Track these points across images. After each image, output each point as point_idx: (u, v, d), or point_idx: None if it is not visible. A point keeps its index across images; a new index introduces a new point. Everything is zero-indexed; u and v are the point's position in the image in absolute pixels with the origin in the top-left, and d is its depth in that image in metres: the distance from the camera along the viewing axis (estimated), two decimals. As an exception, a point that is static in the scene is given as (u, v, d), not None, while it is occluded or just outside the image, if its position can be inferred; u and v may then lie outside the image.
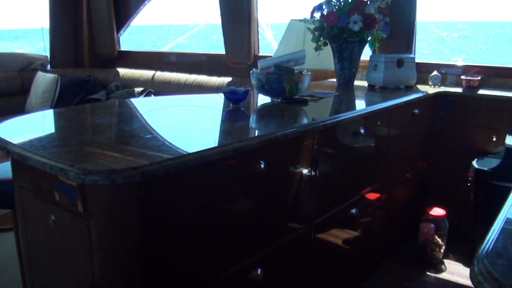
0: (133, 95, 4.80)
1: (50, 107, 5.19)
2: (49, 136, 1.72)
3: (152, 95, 4.79)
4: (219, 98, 2.63)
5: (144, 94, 4.78)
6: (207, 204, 1.52)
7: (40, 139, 1.64)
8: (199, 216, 1.50)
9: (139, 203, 1.32)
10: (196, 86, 4.58)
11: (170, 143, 1.54)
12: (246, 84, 4.03)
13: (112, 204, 1.34)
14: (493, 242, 0.83)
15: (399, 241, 3.33)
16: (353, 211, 2.46)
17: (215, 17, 4.82)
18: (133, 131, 1.76)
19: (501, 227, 0.90)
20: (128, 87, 5.10)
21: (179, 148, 1.46)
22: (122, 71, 5.46)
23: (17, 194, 1.76)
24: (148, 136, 1.65)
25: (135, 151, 1.47)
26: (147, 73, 5.16)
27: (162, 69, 5.18)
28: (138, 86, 5.04)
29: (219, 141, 1.61)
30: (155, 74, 5.09)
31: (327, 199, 2.22)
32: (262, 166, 1.66)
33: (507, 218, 0.95)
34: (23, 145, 1.51)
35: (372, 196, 2.72)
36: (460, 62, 3.74)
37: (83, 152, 1.46)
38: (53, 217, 1.50)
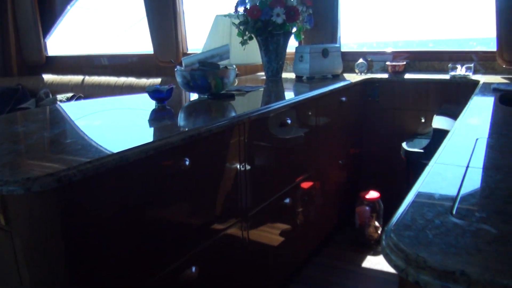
0: (63, 101, 4.70)
1: (-22, 119, 5.01)
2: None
3: (82, 100, 4.70)
4: (147, 98, 2.61)
5: (74, 100, 4.68)
6: (133, 206, 1.50)
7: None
8: (125, 219, 1.48)
9: (60, 211, 1.30)
10: (126, 88, 4.52)
11: (91, 146, 1.51)
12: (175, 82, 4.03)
13: (33, 215, 1.31)
14: (402, 216, 0.86)
15: (337, 226, 3.41)
16: (287, 200, 2.50)
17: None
18: (54, 137, 1.73)
19: (412, 200, 0.93)
20: (57, 94, 4.98)
21: (100, 151, 1.43)
22: (51, 77, 5.32)
23: None
24: (69, 141, 1.62)
25: (53, 157, 1.44)
26: (76, 78, 5.05)
27: (93, 73, 5.08)
28: (68, 91, 4.93)
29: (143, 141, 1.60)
30: (85, 79, 4.99)
31: (259, 191, 2.25)
32: (187, 163, 1.66)
33: (418, 192, 0.98)
34: None
35: (306, 184, 2.76)
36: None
37: (1, 162, 1.42)
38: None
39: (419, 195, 0.97)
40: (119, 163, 1.36)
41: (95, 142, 1.59)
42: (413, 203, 0.92)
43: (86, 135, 1.73)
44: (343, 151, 3.34)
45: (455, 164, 1.19)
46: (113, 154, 1.35)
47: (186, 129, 1.72)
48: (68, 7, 5.60)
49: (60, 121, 2.13)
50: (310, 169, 2.80)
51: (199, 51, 4.16)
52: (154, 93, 2.17)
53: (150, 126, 1.96)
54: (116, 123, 2.03)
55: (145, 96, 2.27)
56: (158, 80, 4.37)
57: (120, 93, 4.50)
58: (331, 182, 3.18)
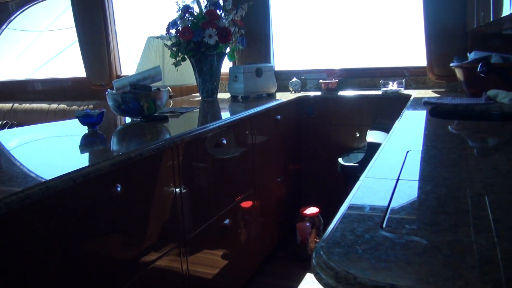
0: (-7, 129, 4.53)
1: None
2: None
3: (15, 128, 4.54)
4: (78, 123, 2.55)
5: (7, 127, 4.52)
6: (62, 238, 1.43)
7: None
8: (54, 252, 1.41)
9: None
10: (60, 113, 4.41)
11: (17, 176, 1.44)
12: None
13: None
14: (332, 232, 0.85)
15: (279, 243, 3.40)
16: (227, 221, 2.47)
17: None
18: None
19: (341, 215, 0.93)
20: (-14, 121, 4.79)
21: (26, 181, 1.37)
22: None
23: None
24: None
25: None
26: (7, 105, 4.87)
27: (26, 99, 4.91)
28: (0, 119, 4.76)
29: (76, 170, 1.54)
30: (17, 105, 4.82)
31: (197, 213, 2.21)
32: (118, 189, 1.61)
33: (349, 205, 0.98)
34: None
35: (246, 203, 2.75)
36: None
37: None
38: None
39: (349, 209, 0.97)
40: (47, 192, 1.30)
41: (22, 171, 1.52)
42: (343, 219, 0.91)
43: (13, 165, 1.66)
44: (282, 168, 3.35)
45: (385, 178, 1.20)
46: (40, 184, 1.29)
47: (116, 154, 1.67)
48: (1, 29, 5.42)
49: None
50: (249, 188, 2.79)
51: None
52: (84, 117, 2.11)
53: (81, 152, 1.90)
54: (45, 151, 1.95)
55: (76, 121, 2.20)
56: (92, 104, 4.28)
57: (54, 119, 4.38)
58: (271, 199, 3.18)
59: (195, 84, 3.42)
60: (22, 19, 5.40)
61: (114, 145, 2.00)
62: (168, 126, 2.32)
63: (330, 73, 3.84)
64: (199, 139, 2.18)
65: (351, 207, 0.98)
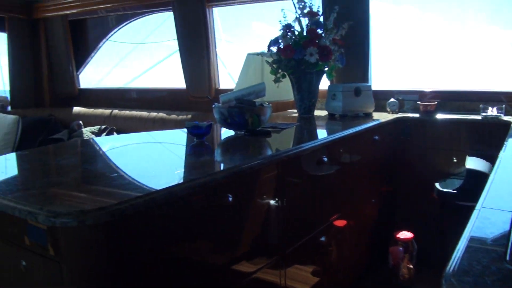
0: (95, 133, 4.79)
1: (13, 149, 5.13)
2: (14, 180, 1.71)
3: (115, 133, 4.79)
4: (182, 133, 2.66)
5: (106, 132, 4.77)
6: (177, 240, 1.52)
7: (5, 183, 1.63)
8: (169, 252, 1.50)
9: (109, 243, 1.33)
10: (158, 122, 4.60)
11: (136, 181, 1.55)
12: (208, 118, 4.09)
13: (83, 246, 1.34)
14: (458, 261, 0.86)
15: (370, 266, 3.38)
16: (322, 238, 2.49)
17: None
18: (98, 170, 1.78)
19: (465, 245, 0.93)
20: (90, 126, 5.08)
21: (147, 186, 1.47)
22: (83, 109, 5.44)
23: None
24: (114, 174, 1.66)
25: (102, 190, 1.48)
26: (108, 111, 5.16)
27: (123, 106, 5.18)
28: (100, 124, 5.03)
29: (186, 177, 1.63)
30: (117, 112, 5.09)
31: (296, 228, 2.25)
32: (230, 199, 1.68)
33: (471, 236, 0.99)
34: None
35: (340, 222, 2.76)
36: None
37: (50, 194, 1.46)
38: (24, 263, 1.48)
39: (471, 240, 0.97)
40: (168, 198, 1.39)
41: (140, 176, 1.62)
42: (468, 248, 0.92)
43: (131, 169, 1.77)
44: (376, 190, 3.33)
45: (502, 209, 1.19)
46: (163, 189, 1.38)
47: (227, 165, 1.75)
48: (101, 42, 5.78)
49: (101, 154, 2.18)
50: (343, 207, 2.80)
51: (228, 87, 4.24)
52: (193, 129, 2.20)
53: (193, 161, 1.99)
54: (157, 158, 2.07)
55: (179, 131, 2.31)
56: (190, 114, 4.44)
57: (152, 127, 4.58)
58: (364, 220, 3.17)
59: (291, 100, 3.47)
60: (121, 32, 5.75)
61: (222, 156, 2.08)
62: (270, 141, 2.38)
63: (427, 95, 3.79)
64: (300, 156, 2.22)
65: (472, 237, 0.99)
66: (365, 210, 3.18)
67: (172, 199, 1.41)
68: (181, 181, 1.49)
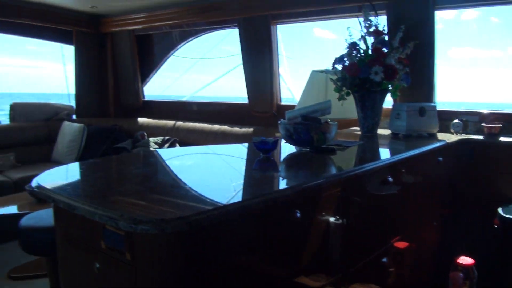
0: (159, 143, 4.91)
1: (77, 156, 5.32)
2: (91, 187, 1.80)
3: (177, 144, 4.90)
4: (243, 147, 2.71)
5: (169, 143, 4.89)
6: (246, 252, 1.56)
7: (83, 190, 1.72)
8: (237, 263, 1.54)
9: (184, 252, 1.38)
10: (220, 135, 4.68)
11: (209, 193, 1.61)
12: (270, 132, 4.13)
13: (159, 252, 1.39)
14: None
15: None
16: (384, 260, 2.48)
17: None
18: (172, 181, 1.84)
19: None
20: (153, 136, 5.22)
21: (220, 198, 1.52)
22: (147, 120, 5.60)
23: (59, 242, 1.81)
24: (187, 186, 1.72)
25: (178, 201, 1.53)
26: (171, 123, 5.29)
27: (185, 118, 5.30)
28: (162, 134, 5.17)
29: (256, 191, 1.67)
30: (179, 123, 5.21)
31: (358, 247, 2.25)
32: (298, 215, 1.71)
33: None
34: (68, 194, 1.58)
35: (401, 244, 2.73)
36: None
37: (129, 201, 1.53)
38: (98, 265, 1.55)
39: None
40: (241, 211, 1.43)
41: (213, 189, 1.68)
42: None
43: (201, 182, 1.83)
44: (438, 212, 3.28)
45: None
46: (237, 203, 1.43)
47: (294, 182, 1.78)
48: (166, 56, 5.95)
49: (172, 166, 2.25)
50: (404, 229, 2.77)
51: (288, 103, 4.28)
52: (260, 144, 2.24)
53: (261, 176, 2.03)
54: (225, 171, 2.13)
55: (241, 146, 2.35)
56: (251, 129, 4.50)
57: (214, 139, 4.66)
58: (425, 243, 3.12)
59: (354, 118, 3.47)
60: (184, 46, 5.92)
61: (287, 172, 2.12)
62: (335, 158, 2.39)
63: (491, 116, 3.71)
64: (364, 175, 2.22)
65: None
66: (426, 232, 3.13)
67: (244, 212, 1.45)
68: (253, 196, 1.53)
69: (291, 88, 7.07)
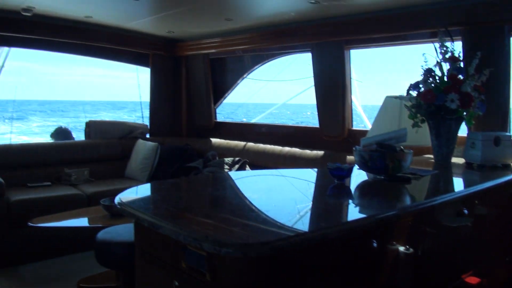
0: (229, 164, 5.01)
1: (150, 173, 5.50)
2: (173, 207, 1.87)
3: (247, 165, 4.97)
4: (314, 172, 2.74)
5: (239, 164, 4.97)
6: (322, 277, 1.58)
7: (166, 209, 1.80)
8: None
9: (264, 275, 1.42)
10: (290, 158, 4.72)
11: (288, 218, 1.65)
12: (340, 157, 4.14)
13: (240, 275, 1.44)
14: None
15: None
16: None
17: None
18: (250, 204, 1.90)
19: None
20: (223, 156, 5.33)
21: (299, 224, 1.57)
22: (218, 140, 5.73)
23: (138, 258, 1.90)
24: (265, 210, 1.77)
25: (258, 225, 1.58)
26: (241, 144, 5.38)
27: (255, 140, 5.38)
28: (233, 155, 5.26)
29: (332, 219, 1.70)
30: (250, 145, 5.29)
31: (429, 281, 2.21)
32: (375, 245, 1.72)
33: None
34: (152, 213, 1.66)
35: (472, 280, 2.66)
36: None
37: (211, 223, 1.59)
38: (176, 283, 1.62)
39: None
40: (321, 239, 1.46)
41: (291, 213, 1.72)
42: None
43: (280, 205, 1.87)
44: (509, 248, 3.17)
45: None
46: (318, 230, 1.47)
47: (370, 210, 1.79)
48: (239, 80, 6.09)
49: (250, 189, 2.31)
50: (476, 264, 2.70)
51: (359, 127, 4.27)
52: (335, 170, 2.27)
53: (337, 203, 2.06)
54: (301, 196, 2.17)
55: (310, 170, 2.37)
56: (321, 152, 4.51)
57: (284, 162, 4.71)
58: (498, 280, 3.02)
59: (427, 145, 3.43)
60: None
61: (363, 200, 2.13)
62: (409, 188, 2.37)
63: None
64: (437, 206, 2.19)
65: None
66: (500, 269, 3.04)
67: (324, 240, 1.48)
68: (332, 224, 1.56)
69: (362, 113, 7.04)
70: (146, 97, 6.64)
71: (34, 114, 40.71)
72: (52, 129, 7.21)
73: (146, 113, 6.83)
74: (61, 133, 7.01)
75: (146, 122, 6.73)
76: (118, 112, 42.03)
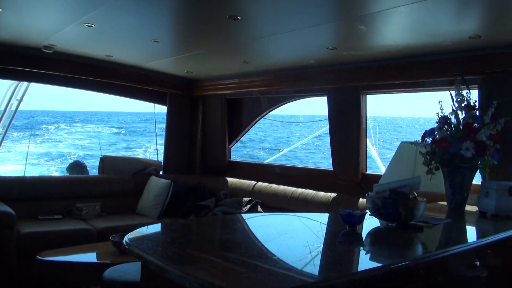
0: (241, 204, 4.99)
1: (161, 210, 5.48)
2: (182, 250, 1.86)
3: (259, 206, 4.95)
4: (325, 216, 2.73)
5: (251, 204, 4.95)
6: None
7: (174, 252, 1.78)
8: None
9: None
10: (302, 200, 4.69)
11: (298, 264, 1.63)
12: (353, 201, 4.11)
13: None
14: None
15: None
16: None
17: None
18: (260, 250, 1.88)
19: None
20: (235, 196, 5.31)
21: (310, 270, 1.54)
22: (231, 180, 5.73)
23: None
24: (275, 257, 1.75)
25: (269, 272, 1.56)
26: (254, 184, 5.37)
27: (267, 180, 5.37)
28: (245, 195, 5.24)
29: (343, 267, 1.68)
30: (262, 185, 5.28)
31: None
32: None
33: None
34: (159, 256, 1.65)
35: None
36: None
37: (220, 268, 1.57)
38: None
39: None
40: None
41: (301, 259, 1.70)
42: None
43: (289, 252, 1.86)
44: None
45: None
46: (324, 281, 1.44)
47: (380, 259, 1.76)
48: (254, 120, 6.13)
49: (260, 232, 2.29)
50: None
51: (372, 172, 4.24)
52: (347, 217, 2.25)
53: (346, 249, 2.03)
54: (312, 241, 2.15)
55: (325, 215, 2.35)
56: (334, 195, 4.49)
57: (296, 203, 4.69)
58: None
59: (441, 193, 3.40)
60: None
61: (371, 246, 2.10)
62: (422, 236, 2.34)
63: None
64: (450, 258, 2.15)
65: None
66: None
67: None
68: (341, 274, 1.54)
69: (376, 157, 7.02)
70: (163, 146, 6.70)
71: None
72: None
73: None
74: (77, 167, 7.07)
75: (160, 158, 6.76)
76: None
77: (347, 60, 4.34)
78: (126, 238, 1.90)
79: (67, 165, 7.31)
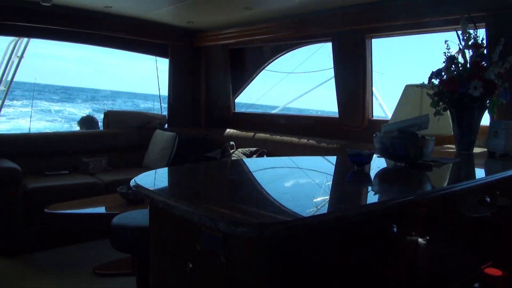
0: (247, 154, 4.98)
1: (168, 163, 5.49)
2: (189, 189, 1.84)
3: (265, 156, 4.94)
4: (332, 159, 2.70)
5: (257, 155, 4.94)
6: (337, 262, 1.54)
7: (181, 191, 1.76)
8: (329, 274, 1.52)
9: (279, 257, 1.38)
10: (308, 148, 4.67)
11: (306, 201, 1.61)
12: (359, 147, 4.08)
13: (255, 256, 1.40)
14: None
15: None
16: (476, 285, 2.37)
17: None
18: (267, 188, 1.86)
19: None
20: (241, 147, 5.30)
21: (318, 207, 1.52)
22: (236, 131, 5.70)
23: (152, 241, 1.87)
24: (283, 193, 1.73)
25: (275, 207, 1.54)
26: (259, 135, 5.35)
27: (273, 131, 5.35)
28: (251, 146, 5.23)
29: (351, 203, 1.65)
30: (268, 136, 5.26)
31: (449, 271, 2.16)
32: (395, 229, 1.67)
33: None
34: (166, 195, 1.63)
35: (492, 271, 2.59)
36: None
37: (226, 204, 1.56)
38: (190, 265, 1.58)
39: None
40: (338, 221, 1.41)
41: (309, 197, 1.68)
42: None
43: (298, 190, 1.83)
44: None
45: None
46: (335, 212, 1.42)
47: (391, 195, 1.74)
48: (257, 71, 6.06)
49: (266, 173, 2.27)
50: (497, 255, 2.63)
51: (379, 117, 4.20)
52: (355, 156, 2.22)
53: (354, 189, 2.01)
54: (320, 181, 2.13)
55: (332, 158, 2.32)
56: (341, 142, 4.47)
57: (302, 153, 4.67)
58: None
59: (449, 134, 3.36)
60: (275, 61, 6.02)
61: (384, 186, 2.08)
62: (430, 175, 2.32)
63: None
64: (459, 194, 2.13)
65: None
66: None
67: (342, 222, 1.44)
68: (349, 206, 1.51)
69: (382, 103, 6.95)
70: (164, 87, 6.65)
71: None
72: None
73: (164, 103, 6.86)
74: (88, 121, 7.06)
75: (164, 112, 6.73)
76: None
77: (351, 2, 4.25)
78: (133, 181, 1.88)
79: (79, 118, 7.30)
